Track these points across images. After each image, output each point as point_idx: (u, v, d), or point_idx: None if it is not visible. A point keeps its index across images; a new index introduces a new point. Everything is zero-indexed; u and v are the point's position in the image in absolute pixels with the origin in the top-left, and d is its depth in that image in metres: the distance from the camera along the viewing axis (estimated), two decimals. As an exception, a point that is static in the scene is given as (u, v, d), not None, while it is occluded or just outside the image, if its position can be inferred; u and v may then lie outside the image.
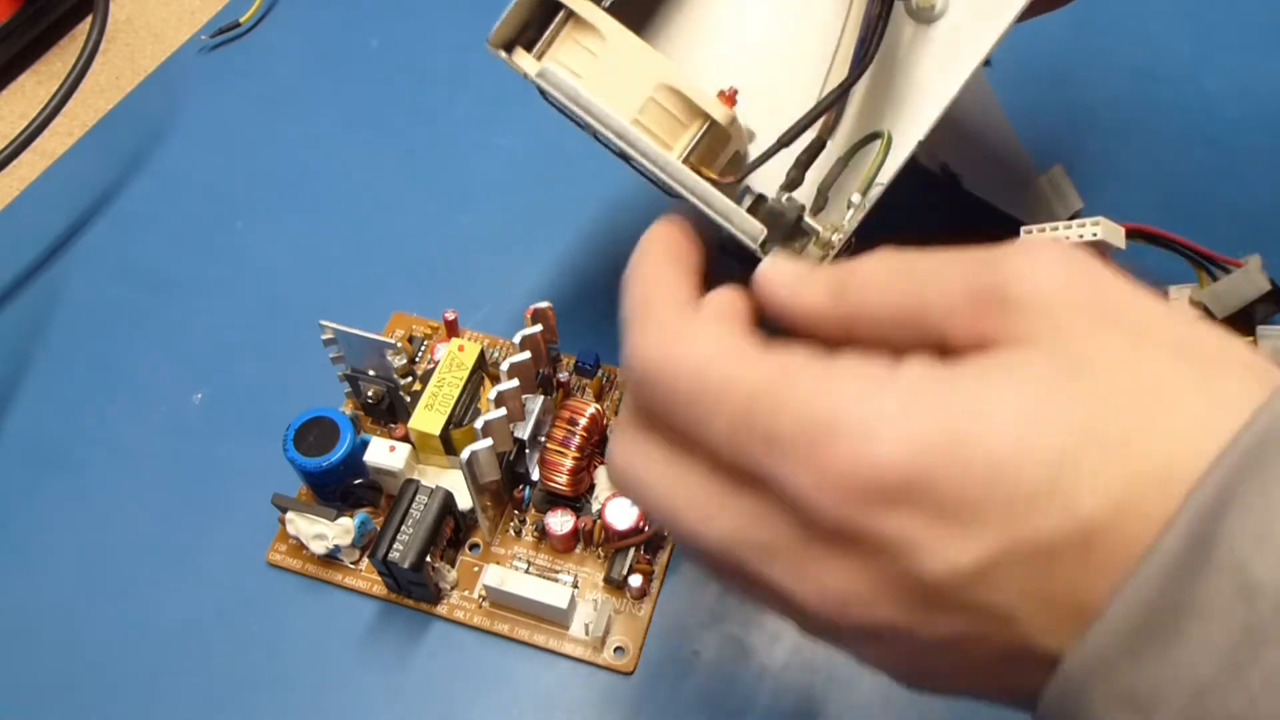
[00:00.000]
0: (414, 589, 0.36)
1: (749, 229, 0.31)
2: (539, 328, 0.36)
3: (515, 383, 0.34)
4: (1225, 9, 0.54)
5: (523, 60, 0.33)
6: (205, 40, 0.54)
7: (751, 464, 0.19)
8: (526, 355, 0.35)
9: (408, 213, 0.47)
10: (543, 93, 0.33)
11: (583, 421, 0.36)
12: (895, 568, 0.18)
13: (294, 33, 0.55)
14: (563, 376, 0.39)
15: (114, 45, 0.55)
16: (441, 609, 0.36)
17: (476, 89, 0.52)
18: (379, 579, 0.36)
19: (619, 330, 0.45)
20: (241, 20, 0.54)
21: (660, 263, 0.24)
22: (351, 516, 0.36)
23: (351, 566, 0.37)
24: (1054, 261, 0.19)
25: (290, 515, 0.36)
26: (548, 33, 0.33)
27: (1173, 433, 0.17)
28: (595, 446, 0.37)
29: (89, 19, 0.49)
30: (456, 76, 0.52)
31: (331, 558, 0.37)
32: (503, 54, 0.33)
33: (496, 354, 0.42)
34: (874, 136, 0.33)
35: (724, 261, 0.36)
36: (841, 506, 0.18)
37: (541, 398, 0.36)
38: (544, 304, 0.37)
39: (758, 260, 0.32)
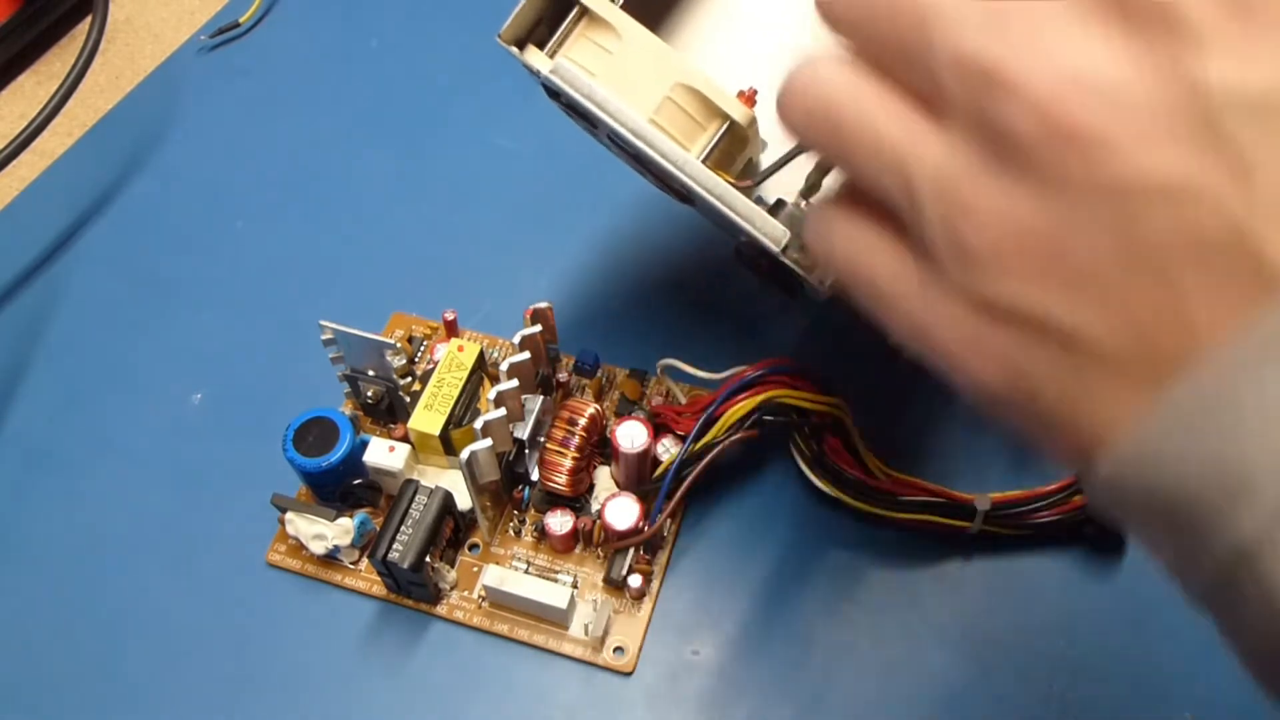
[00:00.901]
0: (413, 589, 0.36)
1: (772, 232, 0.31)
2: (538, 328, 0.36)
3: (515, 383, 0.34)
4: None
5: (534, 58, 0.32)
6: (205, 40, 0.54)
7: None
8: (526, 355, 0.35)
9: (408, 213, 0.47)
10: (554, 93, 0.32)
11: (582, 421, 0.36)
12: (1175, 57, 0.15)
13: (294, 33, 0.55)
14: (562, 377, 0.39)
15: (113, 45, 0.55)
16: (441, 609, 0.36)
17: (477, 89, 0.52)
18: (378, 579, 0.36)
19: (618, 329, 0.45)
20: (241, 20, 0.54)
21: None
22: (351, 517, 0.36)
23: (351, 567, 0.37)
24: None
25: (290, 515, 0.36)
26: (561, 30, 0.32)
27: None
28: (595, 446, 0.37)
29: (88, 19, 0.49)
30: (457, 77, 0.52)
31: (331, 558, 0.37)
32: (514, 50, 0.32)
33: (496, 354, 0.42)
34: None
35: (739, 271, 0.36)
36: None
37: (541, 398, 0.36)
38: (543, 304, 0.37)
39: (776, 270, 0.32)
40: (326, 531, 0.35)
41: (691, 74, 0.31)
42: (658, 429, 0.37)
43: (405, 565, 0.33)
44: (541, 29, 0.32)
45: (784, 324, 0.43)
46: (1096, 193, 0.16)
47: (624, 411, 0.40)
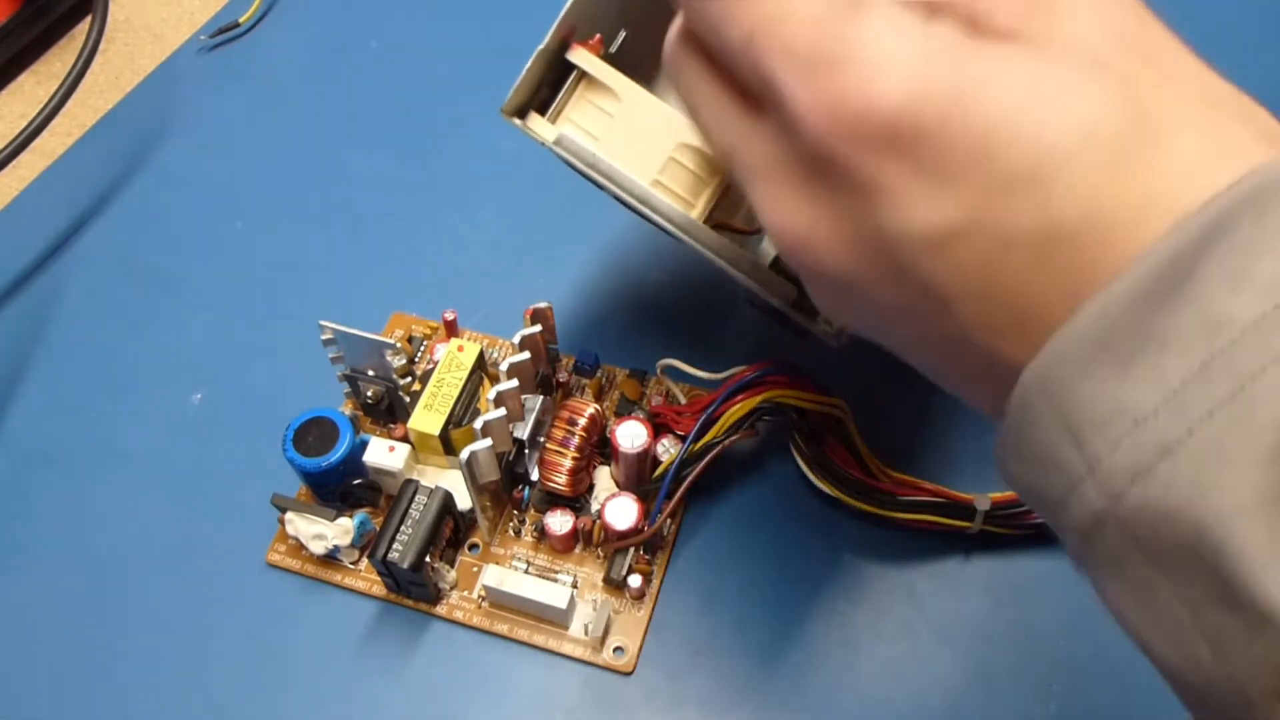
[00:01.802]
0: (413, 589, 0.36)
1: (782, 291, 0.31)
2: (538, 328, 0.36)
3: (515, 383, 0.34)
4: (1226, 10, 0.54)
5: (538, 125, 0.33)
6: (205, 40, 0.54)
7: (763, 72, 0.19)
8: (526, 355, 0.35)
9: (408, 213, 0.47)
10: (558, 154, 0.32)
11: (582, 421, 0.36)
12: (861, 211, 0.19)
13: (294, 33, 0.55)
14: (562, 377, 0.39)
15: (113, 45, 0.55)
16: (441, 609, 0.36)
17: (476, 89, 0.52)
18: (378, 579, 0.36)
19: (618, 329, 0.45)
20: (241, 20, 0.54)
21: None
22: (351, 516, 0.36)
23: (351, 567, 0.37)
24: None
25: (289, 515, 0.36)
26: (561, 94, 0.33)
27: (1175, 163, 0.17)
28: (595, 446, 0.37)
29: (88, 19, 0.49)
30: (456, 76, 0.52)
31: (331, 558, 0.37)
32: (516, 121, 0.32)
33: (496, 354, 0.42)
34: None
35: (748, 313, 0.36)
36: (829, 132, 0.18)
37: (541, 398, 0.36)
38: (543, 304, 0.37)
39: (784, 317, 0.32)
40: (326, 531, 0.35)
41: (694, 133, 0.32)
42: (658, 429, 0.37)
43: (405, 565, 0.33)
44: (543, 91, 0.33)
45: (784, 324, 0.43)
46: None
47: (624, 411, 0.40)
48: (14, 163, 0.45)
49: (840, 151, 0.18)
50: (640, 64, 0.36)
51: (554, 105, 0.33)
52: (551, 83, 0.33)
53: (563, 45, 0.32)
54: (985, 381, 0.19)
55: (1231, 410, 0.15)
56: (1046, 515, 0.19)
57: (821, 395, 0.35)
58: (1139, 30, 0.19)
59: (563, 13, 0.31)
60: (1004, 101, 0.17)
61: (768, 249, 0.36)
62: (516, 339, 0.36)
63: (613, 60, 0.33)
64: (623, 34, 0.35)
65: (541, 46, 0.31)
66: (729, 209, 0.33)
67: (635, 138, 0.32)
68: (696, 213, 0.32)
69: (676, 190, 0.32)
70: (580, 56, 0.32)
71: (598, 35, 0.33)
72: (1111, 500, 0.17)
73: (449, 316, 0.41)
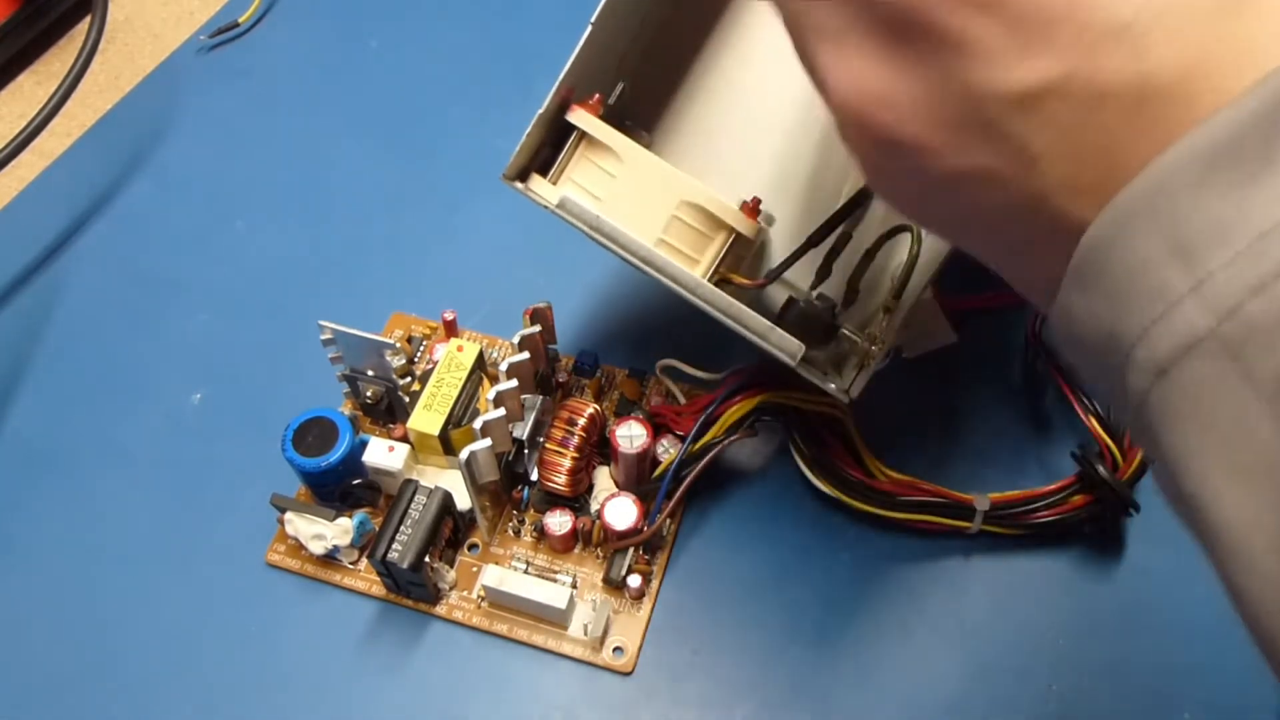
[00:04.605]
0: (413, 589, 0.36)
1: (787, 347, 0.31)
2: (538, 328, 0.36)
3: (514, 383, 0.34)
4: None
5: (540, 187, 0.33)
6: (204, 40, 0.54)
7: None
8: (525, 355, 0.35)
9: (408, 213, 0.47)
10: (561, 217, 0.33)
11: (581, 422, 0.36)
12: (947, 71, 0.17)
13: (293, 33, 0.55)
14: (562, 377, 0.39)
15: (113, 45, 0.55)
16: (440, 609, 0.36)
17: (475, 89, 0.52)
18: (378, 579, 0.36)
19: (618, 329, 0.45)
20: (240, 20, 0.54)
21: None
22: (350, 516, 0.36)
23: (350, 567, 0.37)
24: None
25: (289, 515, 0.36)
26: (562, 154, 0.33)
27: (1269, 17, 0.16)
28: (594, 446, 0.37)
29: (88, 19, 0.49)
30: (455, 77, 0.52)
31: (330, 558, 0.37)
32: (518, 185, 0.33)
33: (495, 354, 0.42)
34: (901, 229, 0.33)
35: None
36: None
37: (540, 398, 0.36)
38: (543, 304, 0.37)
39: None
40: (326, 531, 0.35)
41: (695, 191, 0.32)
42: (657, 429, 0.37)
43: (404, 565, 0.33)
44: (544, 151, 0.33)
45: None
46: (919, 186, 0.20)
47: (624, 411, 0.40)
48: (14, 163, 0.45)
49: (927, 9, 0.17)
50: (641, 113, 0.36)
51: (555, 165, 0.33)
52: (553, 143, 0.33)
53: (562, 107, 0.32)
54: (1045, 248, 0.18)
55: None
56: (1104, 364, 0.18)
57: (820, 395, 0.35)
58: None
59: (561, 75, 0.31)
60: None
61: (773, 302, 0.36)
62: (516, 339, 0.36)
63: (613, 111, 0.33)
64: (620, 85, 0.35)
65: (541, 110, 0.31)
66: (732, 265, 0.33)
67: (638, 197, 0.32)
68: (701, 269, 0.32)
69: (681, 248, 0.32)
70: (580, 118, 0.33)
71: (596, 95, 0.33)
72: (1221, 317, 0.16)
73: (449, 316, 0.41)
